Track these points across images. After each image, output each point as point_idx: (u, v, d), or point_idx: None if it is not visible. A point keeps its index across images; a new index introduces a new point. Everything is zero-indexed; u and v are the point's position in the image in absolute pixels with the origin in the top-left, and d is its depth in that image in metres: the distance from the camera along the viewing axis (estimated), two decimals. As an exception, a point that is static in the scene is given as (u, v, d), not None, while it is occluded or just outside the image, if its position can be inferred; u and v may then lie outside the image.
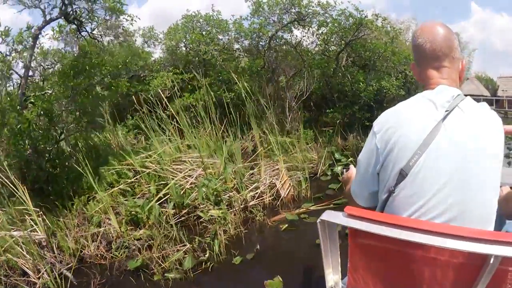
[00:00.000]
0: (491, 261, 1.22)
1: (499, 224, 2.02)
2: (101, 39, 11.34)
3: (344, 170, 2.24)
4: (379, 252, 1.45)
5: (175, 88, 13.01)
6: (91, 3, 8.09)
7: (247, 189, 7.16)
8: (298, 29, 15.55)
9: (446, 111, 1.51)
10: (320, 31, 14.88)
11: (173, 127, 8.85)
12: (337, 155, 11.68)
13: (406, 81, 16.97)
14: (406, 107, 1.64)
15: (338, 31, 14.69)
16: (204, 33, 15.28)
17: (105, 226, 5.67)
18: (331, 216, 1.47)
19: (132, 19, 9.44)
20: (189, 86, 14.41)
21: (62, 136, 7.42)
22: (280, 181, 7.59)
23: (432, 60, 1.72)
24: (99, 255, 5.26)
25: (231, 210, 6.46)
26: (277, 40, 15.86)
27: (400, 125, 1.55)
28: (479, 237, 1.21)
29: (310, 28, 15.07)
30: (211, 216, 6.03)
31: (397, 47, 19.68)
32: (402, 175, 1.48)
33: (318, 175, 9.29)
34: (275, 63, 15.45)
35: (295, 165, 8.84)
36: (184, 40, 16.07)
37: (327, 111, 14.68)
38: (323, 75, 15.31)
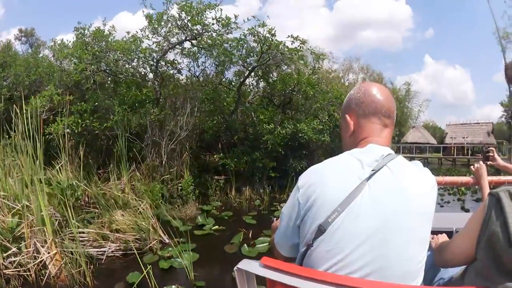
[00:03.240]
0: None
1: (433, 272, 2.01)
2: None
3: (274, 218, 2.11)
4: (296, 303, 1.37)
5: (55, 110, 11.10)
6: None
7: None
8: (203, 55, 12.55)
9: (372, 170, 1.44)
10: (219, 56, 11.58)
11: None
12: (200, 219, 8.57)
13: (335, 125, 14.29)
14: (332, 164, 1.54)
15: (241, 56, 11.50)
16: (90, 50, 12.02)
17: None
18: (248, 265, 1.40)
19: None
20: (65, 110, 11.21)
21: None
22: (48, 253, 5.39)
23: (374, 117, 1.64)
24: None
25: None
26: (168, 64, 12.90)
27: (322, 182, 1.47)
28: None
29: (213, 53, 11.84)
30: None
31: (329, 83, 17.21)
32: (320, 230, 1.40)
33: (152, 250, 6.49)
34: (160, 93, 12.28)
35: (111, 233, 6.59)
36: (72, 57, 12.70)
37: (215, 156, 11.40)
38: (219, 111, 12.01)
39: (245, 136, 12.09)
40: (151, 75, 13.30)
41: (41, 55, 19.30)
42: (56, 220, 6.43)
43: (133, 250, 6.03)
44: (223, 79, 12.81)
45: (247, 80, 13.03)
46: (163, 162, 11.13)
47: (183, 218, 8.80)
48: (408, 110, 52.49)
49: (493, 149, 2.94)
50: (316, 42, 78.51)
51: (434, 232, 2.06)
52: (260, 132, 11.45)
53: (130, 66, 12.98)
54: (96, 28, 12.68)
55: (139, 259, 5.53)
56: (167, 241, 6.85)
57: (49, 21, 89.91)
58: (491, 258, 1.25)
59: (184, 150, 11.93)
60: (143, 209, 7.44)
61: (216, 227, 7.95)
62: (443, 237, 2.09)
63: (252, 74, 12.41)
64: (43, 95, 11.85)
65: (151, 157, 11.39)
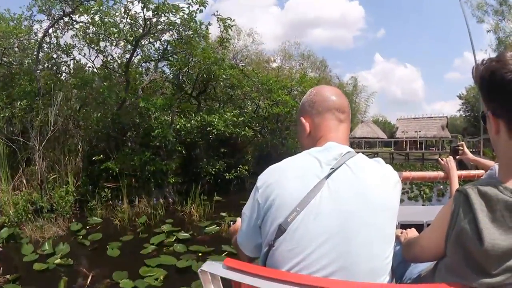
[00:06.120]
0: None
1: (403, 267, 1.98)
2: None
3: (232, 222, 2.10)
4: (261, 303, 1.41)
5: None
6: None
7: None
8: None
9: (331, 168, 1.46)
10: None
11: None
12: (47, 246, 6.45)
13: (264, 116, 12.38)
14: (290, 163, 1.56)
15: (123, 29, 9.23)
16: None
17: None
18: (212, 267, 1.40)
19: None
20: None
21: None
22: None
23: (328, 113, 1.68)
24: None
25: None
26: (52, 47, 10.61)
27: (281, 181, 1.48)
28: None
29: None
30: None
31: (253, 68, 15.24)
32: (281, 230, 1.41)
33: None
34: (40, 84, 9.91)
35: None
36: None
37: (94, 158, 9.15)
38: (100, 102, 9.73)
39: (136, 133, 9.80)
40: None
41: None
42: None
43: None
44: (109, 60, 10.50)
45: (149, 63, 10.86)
46: (38, 166, 9.01)
47: (39, 241, 6.82)
48: (356, 105, 52.37)
49: (463, 143, 3.04)
50: (265, 40, 78.23)
51: (405, 226, 2.29)
52: (152, 127, 9.19)
53: (25, 54, 10.92)
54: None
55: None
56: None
57: None
58: (461, 255, 1.25)
59: (76, 151, 9.86)
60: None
61: (59, 260, 5.76)
62: (412, 232, 2.10)
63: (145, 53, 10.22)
64: None
65: (35, 162, 9.23)
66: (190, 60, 9.91)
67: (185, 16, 8.95)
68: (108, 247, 6.44)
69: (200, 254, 6.06)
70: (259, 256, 1.56)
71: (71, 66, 11.75)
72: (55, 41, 10.83)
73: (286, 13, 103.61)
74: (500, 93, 1.21)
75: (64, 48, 10.91)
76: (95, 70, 11.12)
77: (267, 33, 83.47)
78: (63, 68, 11.70)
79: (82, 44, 11.04)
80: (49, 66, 11.44)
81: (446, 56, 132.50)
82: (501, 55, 1.23)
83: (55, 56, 11.30)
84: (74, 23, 10.38)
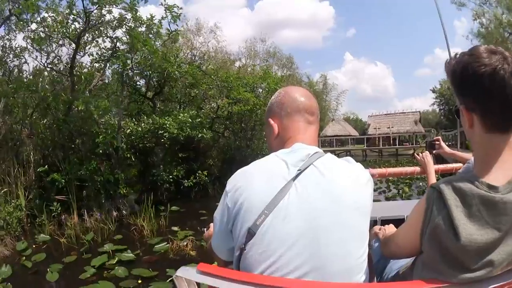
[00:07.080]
0: None
1: (383, 263, 2.01)
2: None
3: (204, 229, 2.15)
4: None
5: None
6: None
7: None
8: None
9: (298, 170, 1.48)
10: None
11: None
12: None
13: (226, 117, 11.95)
14: (257, 166, 1.58)
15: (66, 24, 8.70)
16: None
17: None
18: (186, 272, 1.42)
19: None
20: None
21: None
22: None
23: (297, 115, 1.70)
24: None
25: None
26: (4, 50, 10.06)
27: (248, 185, 1.50)
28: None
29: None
30: None
31: (211, 66, 14.80)
32: (250, 233, 1.43)
33: None
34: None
35: None
36: None
37: (39, 170, 8.70)
38: (44, 107, 9.16)
39: (84, 140, 9.23)
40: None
41: None
42: None
43: None
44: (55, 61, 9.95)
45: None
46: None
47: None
48: (326, 103, 52.34)
49: (439, 137, 3.09)
50: (234, 41, 78.25)
51: (385, 221, 2.35)
52: (98, 132, 8.68)
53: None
54: None
55: None
56: None
57: None
58: (437, 251, 1.28)
59: (29, 162, 9.21)
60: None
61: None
62: (390, 228, 2.11)
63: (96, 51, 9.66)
64: None
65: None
66: (132, 55, 9.36)
67: (126, 5, 8.47)
68: (48, 270, 5.91)
69: (139, 281, 5.38)
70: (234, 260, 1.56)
71: (29, 69, 11.21)
72: (8, 44, 10.28)
73: (256, 14, 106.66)
74: (472, 87, 1.23)
75: (15, 51, 10.34)
76: (41, 72, 10.58)
77: (237, 35, 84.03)
78: (15, 72, 11.15)
79: (32, 46, 10.37)
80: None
81: (417, 53, 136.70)
82: (473, 49, 1.24)
83: (8, 60, 10.68)
84: (22, 23, 9.71)
